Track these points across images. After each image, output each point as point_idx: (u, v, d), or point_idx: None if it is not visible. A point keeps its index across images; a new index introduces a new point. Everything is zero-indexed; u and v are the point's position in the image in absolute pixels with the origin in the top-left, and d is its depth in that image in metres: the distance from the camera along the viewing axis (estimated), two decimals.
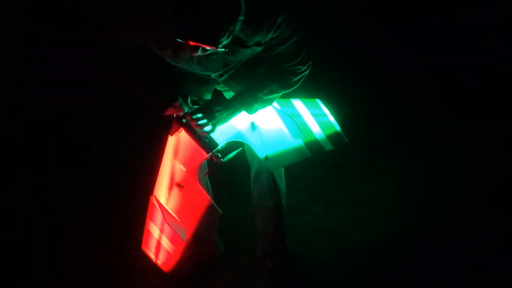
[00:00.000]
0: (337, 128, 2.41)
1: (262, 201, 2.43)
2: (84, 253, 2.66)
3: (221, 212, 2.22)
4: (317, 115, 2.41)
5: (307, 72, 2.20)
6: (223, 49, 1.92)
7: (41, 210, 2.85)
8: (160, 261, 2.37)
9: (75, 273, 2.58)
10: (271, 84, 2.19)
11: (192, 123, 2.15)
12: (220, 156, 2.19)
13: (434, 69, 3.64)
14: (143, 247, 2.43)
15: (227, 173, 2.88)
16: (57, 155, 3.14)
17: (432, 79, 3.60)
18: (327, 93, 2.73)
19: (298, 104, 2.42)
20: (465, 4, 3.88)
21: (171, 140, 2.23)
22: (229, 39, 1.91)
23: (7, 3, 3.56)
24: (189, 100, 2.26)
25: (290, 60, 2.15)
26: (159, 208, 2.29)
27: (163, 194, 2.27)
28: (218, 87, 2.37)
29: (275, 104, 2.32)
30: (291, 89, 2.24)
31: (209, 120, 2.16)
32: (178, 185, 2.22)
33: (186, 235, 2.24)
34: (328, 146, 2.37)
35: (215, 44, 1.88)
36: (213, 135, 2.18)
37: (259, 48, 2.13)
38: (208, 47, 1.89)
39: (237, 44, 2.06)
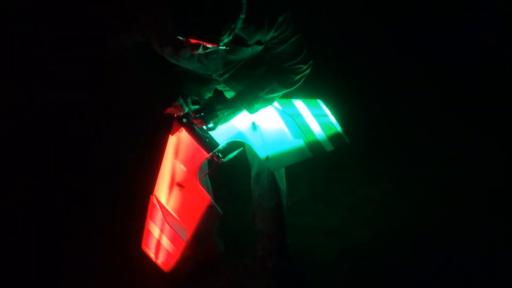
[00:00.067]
0: (338, 128, 2.41)
1: (262, 201, 2.43)
2: (84, 253, 2.66)
3: (221, 212, 2.22)
4: (318, 116, 2.41)
5: (308, 71, 2.20)
6: (224, 47, 1.92)
7: (41, 210, 2.84)
8: (160, 260, 2.37)
9: (75, 273, 2.57)
10: (272, 83, 2.19)
11: (194, 121, 2.15)
12: (220, 156, 2.18)
13: (434, 69, 3.64)
14: (143, 247, 2.43)
15: (228, 173, 2.88)
16: (57, 155, 3.14)
17: (432, 79, 3.60)
18: (327, 93, 2.73)
19: (299, 104, 2.42)
20: (465, 4, 3.88)
21: (172, 140, 2.23)
22: (230, 37, 1.91)
23: (7, 3, 3.56)
24: (189, 100, 2.25)
25: (291, 59, 2.15)
26: (159, 208, 2.29)
27: (164, 193, 2.27)
28: (219, 87, 2.37)
29: (276, 104, 2.32)
30: (292, 88, 2.24)
31: (211, 118, 2.16)
32: (179, 184, 2.22)
33: (186, 234, 2.24)
34: (329, 147, 2.37)
35: (216, 41, 1.88)
36: (213, 135, 2.18)
37: (260, 47, 2.13)
38: (209, 45, 1.89)
39: (238, 43, 2.06)
